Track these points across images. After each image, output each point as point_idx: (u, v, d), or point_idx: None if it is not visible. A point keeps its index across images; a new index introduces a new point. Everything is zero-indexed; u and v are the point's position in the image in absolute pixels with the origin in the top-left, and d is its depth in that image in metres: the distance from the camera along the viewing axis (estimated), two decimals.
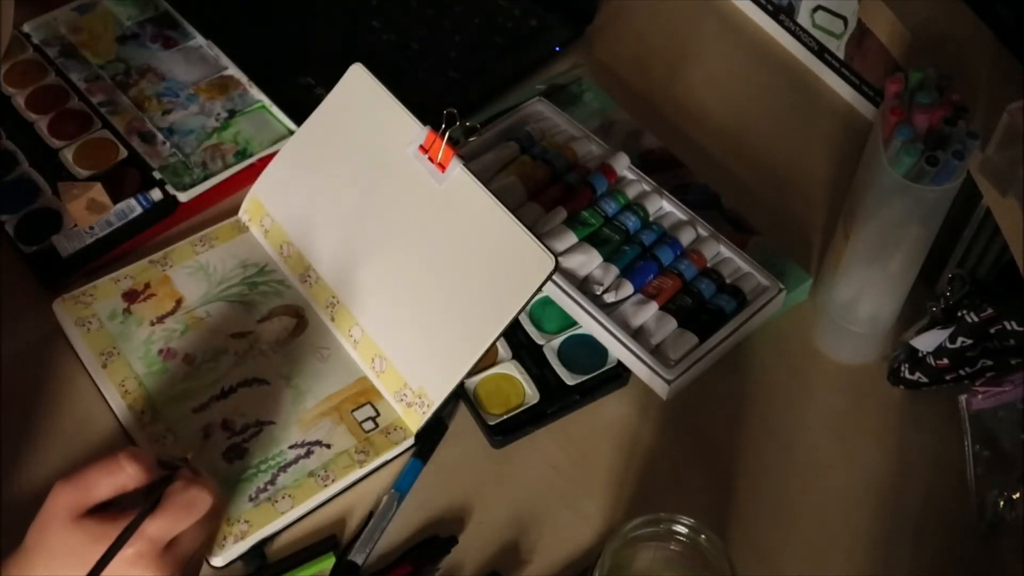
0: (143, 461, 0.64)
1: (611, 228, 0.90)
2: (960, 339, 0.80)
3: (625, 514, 0.79)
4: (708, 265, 0.90)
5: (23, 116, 0.98)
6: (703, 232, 0.91)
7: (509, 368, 0.85)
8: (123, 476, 0.63)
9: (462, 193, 0.80)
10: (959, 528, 0.79)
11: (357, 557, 0.75)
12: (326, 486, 0.78)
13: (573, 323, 0.87)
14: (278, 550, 0.76)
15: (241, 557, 0.75)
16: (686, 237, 0.90)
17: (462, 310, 0.80)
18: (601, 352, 0.86)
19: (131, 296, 0.87)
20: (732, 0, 1.14)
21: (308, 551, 0.76)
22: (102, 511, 0.63)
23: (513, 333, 0.87)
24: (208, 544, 0.73)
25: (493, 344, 0.79)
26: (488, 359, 0.85)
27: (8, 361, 0.84)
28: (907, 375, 0.84)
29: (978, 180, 0.80)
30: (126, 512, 0.63)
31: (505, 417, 0.83)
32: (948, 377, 0.83)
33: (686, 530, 0.68)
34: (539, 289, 0.77)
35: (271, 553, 0.76)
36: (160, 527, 0.62)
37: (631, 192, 0.93)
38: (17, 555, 0.63)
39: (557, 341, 0.87)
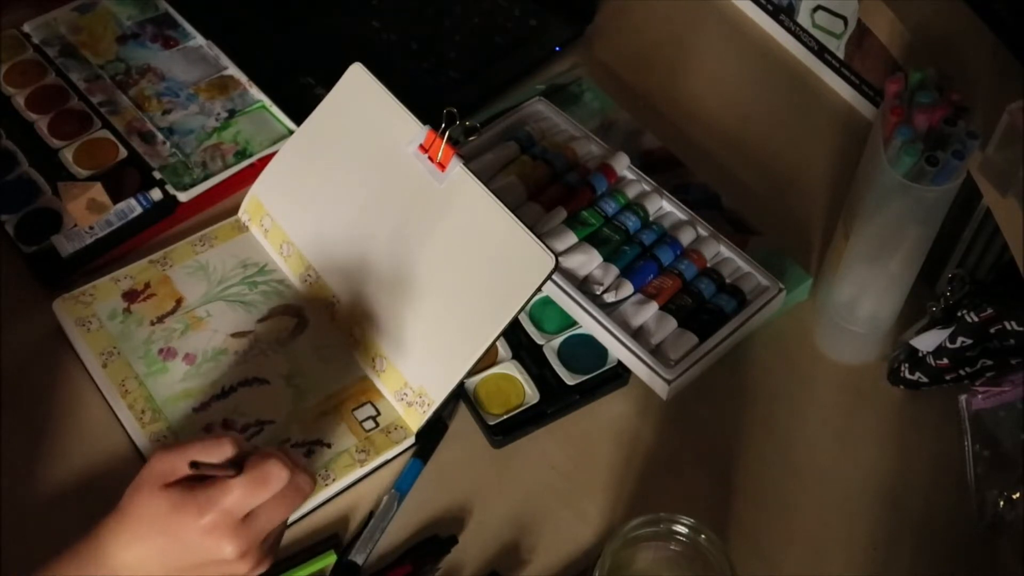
0: (243, 446, 0.66)
1: (611, 228, 0.90)
2: (960, 339, 0.80)
3: (625, 514, 0.79)
4: (708, 265, 0.90)
5: (23, 116, 0.98)
6: (703, 232, 0.91)
7: (509, 368, 0.85)
8: (221, 453, 0.65)
9: (462, 192, 0.80)
10: (959, 528, 0.79)
11: (357, 557, 0.75)
12: (327, 485, 0.78)
13: (573, 323, 0.87)
14: (280, 550, 0.76)
15: None
16: (686, 237, 0.90)
17: (462, 309, 0.80)
18: (601, 352, 0.86)
19: (131, 296, 0.87)
20: (732, 0, 1.14)
21: (309, 550, 0.76)
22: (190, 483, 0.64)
23: (513, 333, 0.87)
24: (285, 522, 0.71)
25: (493, 344, 0.79)
26: (488, 359, 0.85)
27: (8, 361, 0.84)
28: (907, 375, 0.84)
29: (978, 180, 0.80)
30: (207, 483, 0.64)
31: (505, 417, 0.83)
32: (948, 377, 0.83)
33: (686, 530, 0.68)
34: (539, 288, 0.77)
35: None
36: (235, 498, 0.63)
37: (631, 192, 0.93)
38: (112, 514, 0.65)
39: (557, 341, 0.87)
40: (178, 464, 0.64)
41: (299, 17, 1.09)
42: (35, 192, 0.93)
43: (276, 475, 0.65)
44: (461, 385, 0.81)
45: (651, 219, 0.92)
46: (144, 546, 0.63)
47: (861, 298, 0.85)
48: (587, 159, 0.96)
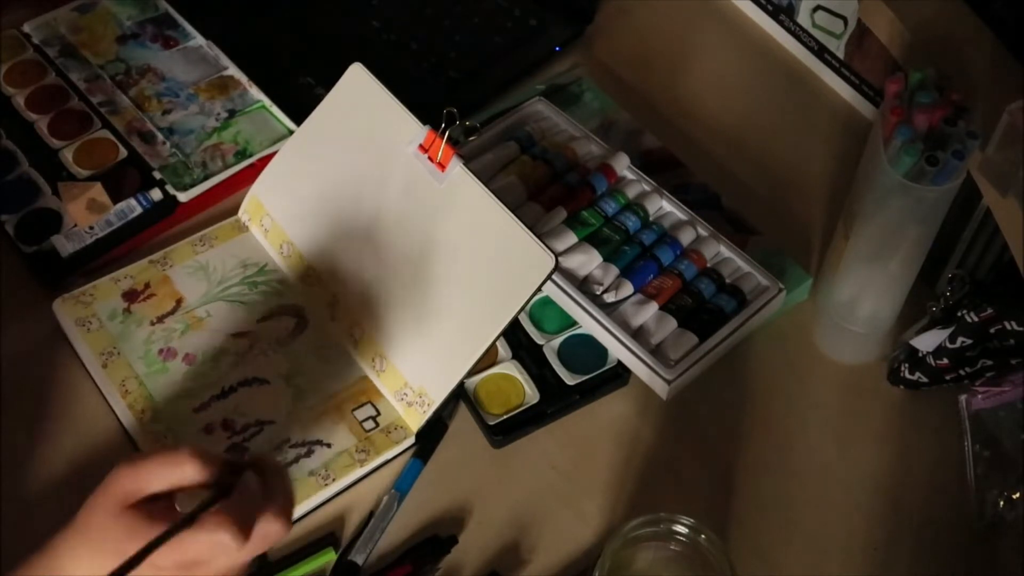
0: (205, 462, 0.62)
1: (611, 228, 0.90)
2: (960, 339, 0.80)
3: (625, 514, 0.79)
4: (708, 265, 0.90)
5: (23, 116, 0.98)
6: (703, 232, 0.91)
7: (509, 368, 0.85)
8: (179, 473, 0.61)
9: (462, 192, 0.80)
10: (959, 528, 0.79)
11: (357, 557, 0.75)
12: (326, 485, 0.78)
13: (573, 323, 0.87)
14: (278, 549, 0.76)
15: None
16: (686, 237, 0.90)
17: (462, 309, 0.80)
18: (601, 352, 0.86)
19: (131, 296, 0.87)
20: (732, 0, 1.14)
21: (308, 547, 0.76)
22: (153, 504, 0.61)
23: (513, 333, 0.87)
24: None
25: (493, 343, 0.79)
26: (488, 359, 0.85)
27: (8, 361, 0.84)
28: (907, 375, 0.84)
29: (978, 180, 0.80)
30: (172, 513, 0.61)
31: (505, 417, 0.83)
32: (948, 377, 0.83)
33: (686, 530, 0.68)
34: (539, 288, 0.77)
35: (272, 552, 0.76)
36: (193, 551, 0.60)
37: (631, 192, 0.93)
38: (67, 529, 0.63)
39: (557, 341, 0.87)
40: (138, 484, 0.61)
41: (299, 17, 1.08)
42: (35, 192, 0.93)
43: (226, 545, 0.59)
44: (461, 385, 0.81)
45: (651, 219, 0.92)
46: (99, 564, 0.60)
47: (861, 298, 0.85)
48: (587, 159, 0.96)
